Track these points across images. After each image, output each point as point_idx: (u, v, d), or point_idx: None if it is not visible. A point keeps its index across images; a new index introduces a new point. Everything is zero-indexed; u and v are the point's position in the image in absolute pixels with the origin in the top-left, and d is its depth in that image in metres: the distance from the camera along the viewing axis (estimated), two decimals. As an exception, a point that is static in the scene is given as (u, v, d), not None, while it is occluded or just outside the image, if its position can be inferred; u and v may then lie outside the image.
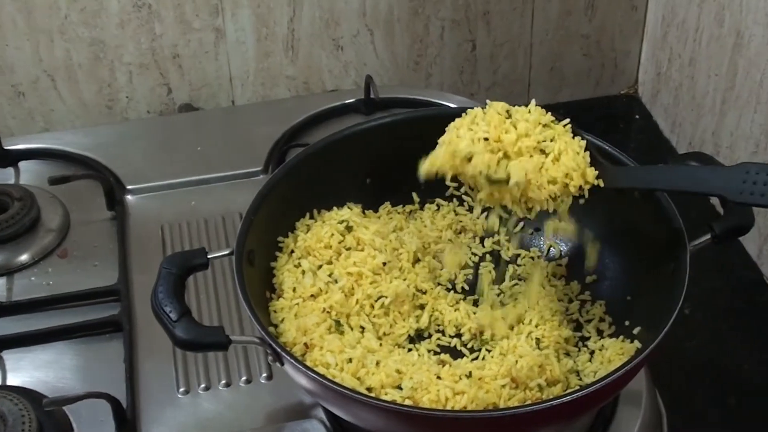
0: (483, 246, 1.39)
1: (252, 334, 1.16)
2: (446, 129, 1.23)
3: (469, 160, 1.19)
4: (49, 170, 1.60)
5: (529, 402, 1.13)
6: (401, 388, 1.16)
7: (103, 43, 1.83)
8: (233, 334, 1.11)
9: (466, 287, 1.34)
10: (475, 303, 1.32)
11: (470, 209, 1.42)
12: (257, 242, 1.24)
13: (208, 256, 1.19)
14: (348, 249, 1.31)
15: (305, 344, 1.19)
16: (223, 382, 1.28)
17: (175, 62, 1.89)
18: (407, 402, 1.13)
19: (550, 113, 1.20)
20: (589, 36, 2.06)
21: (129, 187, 1.58)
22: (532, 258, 1.37)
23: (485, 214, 1.40)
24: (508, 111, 1.20)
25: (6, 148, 1.64)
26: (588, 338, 1.26)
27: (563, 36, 2.04)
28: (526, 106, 1.21)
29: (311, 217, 1.35)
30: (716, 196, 1.11)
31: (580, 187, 1.17)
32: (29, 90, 1.85)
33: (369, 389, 1.16)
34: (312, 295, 1.26)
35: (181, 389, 1.28)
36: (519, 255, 1.38)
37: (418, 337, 1.27)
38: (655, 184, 1.19)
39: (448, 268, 1.35)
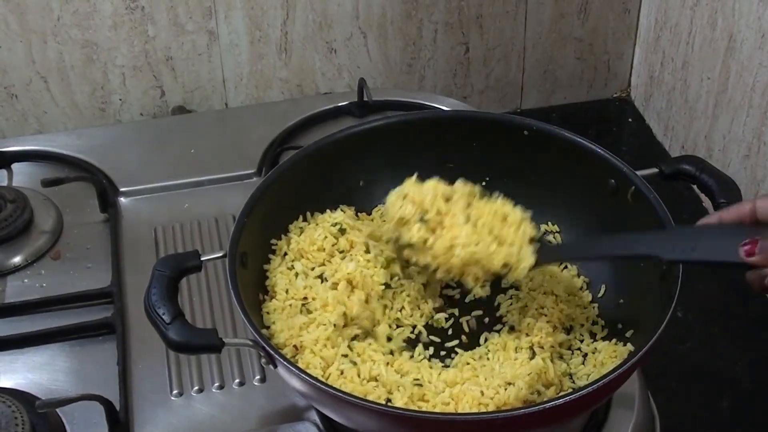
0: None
1: (245, 337, 1.15)
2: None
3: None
4: (42, 172, 1.60)
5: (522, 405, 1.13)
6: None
7: (96, 45, 1.83)
8: (226, 337, 1.11)
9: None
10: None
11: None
12: (250, 244, 1.24)
13: (202, 259, 1.19)
14: (341, 252, 1.31)
15: (294, 346, 1.19)
16: (217, 384, 1.28)
17: (169, 64, 1.89)
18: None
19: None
20: (582, 39, 2.06)
21: (122, 189, 1.58)
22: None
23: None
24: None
25: (-1, 150, 1.64)
26: (581, 341, 1.26)
27: (556, 39, 2.05)
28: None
29: (304, 220, 1.35)
30: (649, 258, 1.13)
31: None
32: (22, 92, 1.85)
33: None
34: (305, 297, 1.26)
35: (175, 391, 1.28)
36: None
37: (415, 339, 1.27)
38: (590, 253, 1.24)
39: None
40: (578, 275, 1.34)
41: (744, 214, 1.05)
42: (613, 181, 1.28)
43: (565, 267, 1.35)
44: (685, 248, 1.07)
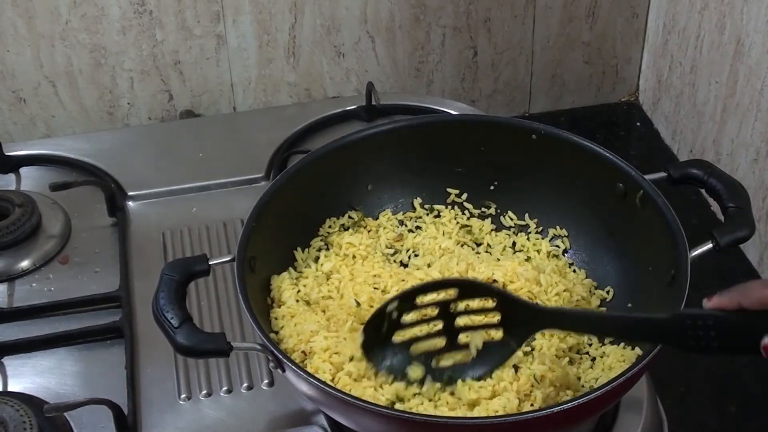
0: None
1: (253, 341, 1.15)
2: None
3: None
4: (51, 176, 1.60)
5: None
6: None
7: (104, 49, 1.83)
8: (234, 341, 1.11)
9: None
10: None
11: (470, 216, 1.42)
12: (259, 249, 1.24)
13: (210, 263, 1.19)
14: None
15: (303, 352, 1.19)
16: (225, 388, 1.28)
17: (177, 68, 1.89)
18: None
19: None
20: (590, 43, 2.06)
21: (130, 193, 1.58)
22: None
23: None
24: None
25: (7, 154, 1.64)
26: (590, 345, 1.26)
27: (564, 43, 2.05)
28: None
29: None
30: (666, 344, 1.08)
31: None
32: (30, 96, 1.86)
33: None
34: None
35: (183, 395, 1.28)
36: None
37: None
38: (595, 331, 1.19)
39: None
40: (586, 279, 1.34)
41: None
42: (621, 185, 1.28)
43: (574, 270, 1.35)
44: (701, 336, 1.02)
